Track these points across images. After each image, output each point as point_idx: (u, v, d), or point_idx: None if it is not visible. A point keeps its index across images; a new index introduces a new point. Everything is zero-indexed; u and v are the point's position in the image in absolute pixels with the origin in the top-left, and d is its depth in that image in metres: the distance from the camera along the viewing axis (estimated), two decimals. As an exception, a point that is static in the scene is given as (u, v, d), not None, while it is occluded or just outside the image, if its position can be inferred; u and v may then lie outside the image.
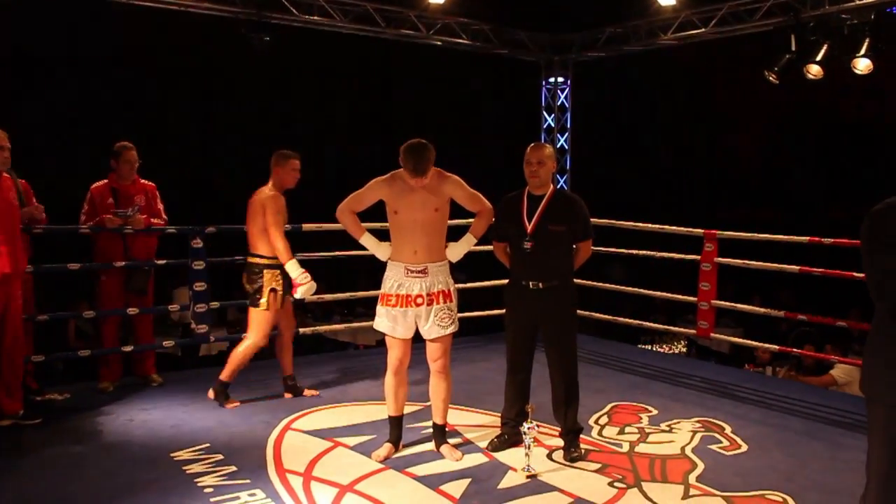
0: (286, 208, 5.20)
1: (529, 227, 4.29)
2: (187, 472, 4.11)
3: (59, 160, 11.05)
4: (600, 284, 7.04)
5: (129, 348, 5.71)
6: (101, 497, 3.78)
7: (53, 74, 12.40)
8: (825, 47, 6.91)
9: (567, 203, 4.39)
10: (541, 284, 4.29)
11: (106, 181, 5.53)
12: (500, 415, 4.62)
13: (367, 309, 9.86)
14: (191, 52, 13.81)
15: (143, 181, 5.64)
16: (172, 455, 4.34)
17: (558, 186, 7.23)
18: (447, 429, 4.50)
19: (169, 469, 4.15)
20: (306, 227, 6.24)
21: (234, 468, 4.15)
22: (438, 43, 8.00)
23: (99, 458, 4.32)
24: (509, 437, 4.48)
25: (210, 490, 3.87)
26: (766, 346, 6.79)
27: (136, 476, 4.04)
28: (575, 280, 4.52)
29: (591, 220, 4.47)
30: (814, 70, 7.07)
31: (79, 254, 5.61)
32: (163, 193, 5.77)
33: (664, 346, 9.09)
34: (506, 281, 4.57)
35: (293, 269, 5.01)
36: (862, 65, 6.79)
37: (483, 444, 4.53)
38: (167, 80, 13.56)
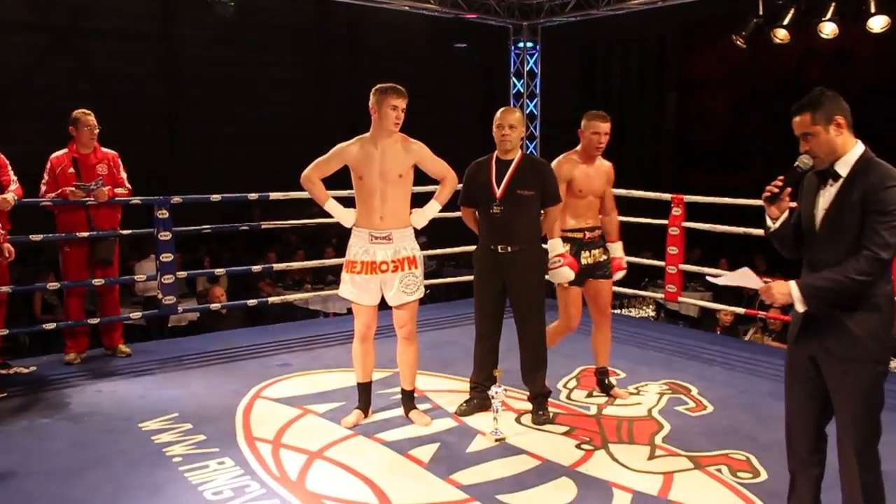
0: (565, 178, 4.56)
1: (499, 192, 4.29)
2: (156, 441, 4.10)
3: (19, 128, 10.87)
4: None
5: (95, 320, 5.65)
6: (69, 469, 3.77)
7: (10, 42, 12.14)
8: (792, 11, 6.94)
9: (536, 168, 4.39)
10: (509, 249, 4.31)
11: (66, 150, 5.42)
12: (468, 380, 4.65)
13: (336, 276, 9.84)
14: (155, 17, 13.60)
15: (104, 150, 5.53)
16: (141, 425, 4.33)
17: (527, 152, 7.22)
18: (416, 394, 4.52)
19: (137, 439, 4.14)
20: (273, 195, 6.19)
21: (203, 437, 4.15)
22: (406, 8, 7.91)
23: (66, 429, 4.29)
24: (478, 401, 4.51)
25: (179, 459, 3.87)
26: (734, 308, 6.89)
27: (104, 447, 4.03)
28: (544, 245, 4.53)
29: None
30: (781, 34, 7.11)
31: (40, 226, 5.52)
32: (126, 162, 5.67)
33: (632, 310, 9.17)
34: (473, 247, 4.57)
35: (556, 246, 4.50)
36: (828, 29, 6.84)
37: (452, 409, 4.56)
38: (129, 48, 13.33)
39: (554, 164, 4.58)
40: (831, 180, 2.76)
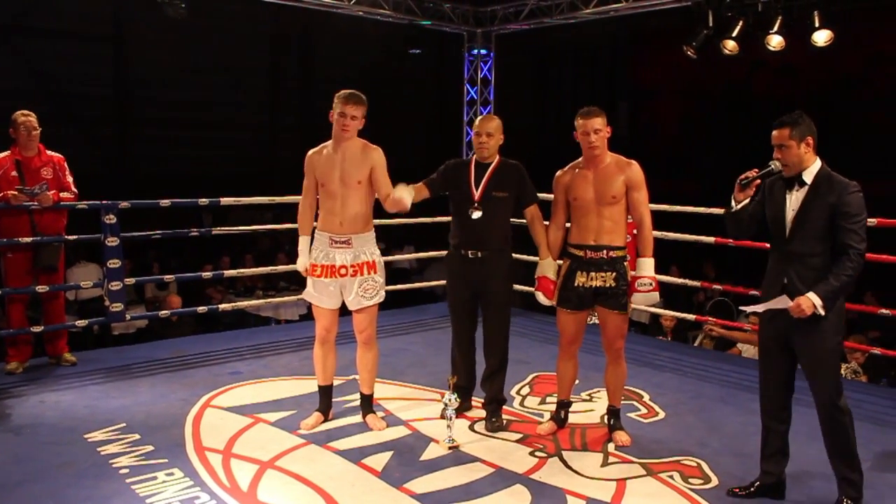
0: (563, 188, 4.23)
1: (477, 194, 4.30)
2: (102, 453, 3.99)
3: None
4: (524, 257, 7.09)
5: (38, 328, 5.49)
6: (9, 483, 3.64)
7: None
8: (740, 23, 7.07)
9: (510, 169, 4.39)
10: (479, 254, 4.32)
11: (9, 153, 5.27)
12: (428, 387, 4.63)
13: (288, 283, 9.77)
14: (103, 17, 13.33)
15: (49, 153, 5.40)
16: (86, 436, 4.21)
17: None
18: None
19: (82, 451, 4.03)
20: (224, 201, 6.10)
21: (151, 448, 4.05)
22: (360, 13, 7.87)
23: (7, 442, 4.16)
24: (460, 404, 4.48)
25: (126, 471, 3.77)
26: (684, 315, 6.97)
27: (47, 459, 3.91)
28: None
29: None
30: (730, 45, 7.23)
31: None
32: (73, 165, 5.54)
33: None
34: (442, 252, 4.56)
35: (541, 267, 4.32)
36: (775, 41, 6.98)
37: (405, 417, 4.54)
38: (77, 48, 13.05)
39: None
40: (797, 186, 3.39)
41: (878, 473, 3.81)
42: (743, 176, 3.49)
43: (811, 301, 3.25)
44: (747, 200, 3.53)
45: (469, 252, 4.34)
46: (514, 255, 4.52)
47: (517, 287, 7.17)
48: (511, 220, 4.46)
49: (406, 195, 4.08)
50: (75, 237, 5.64)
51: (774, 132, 3.39)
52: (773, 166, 3.43)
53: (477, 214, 4.29)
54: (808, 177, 3.37)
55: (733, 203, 3.54)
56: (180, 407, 4.68)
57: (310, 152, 4.28)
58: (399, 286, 7.36)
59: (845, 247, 3.26)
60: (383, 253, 4.55)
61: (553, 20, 8.13)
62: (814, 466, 3.84)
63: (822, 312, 3.26)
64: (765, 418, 3.59)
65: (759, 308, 3.51)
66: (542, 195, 4.48)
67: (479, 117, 4.45)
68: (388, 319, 6.72)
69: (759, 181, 3.49)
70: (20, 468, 3.80)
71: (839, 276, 3.25)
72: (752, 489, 3.60)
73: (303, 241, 4.33)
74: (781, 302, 3.35)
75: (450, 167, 4.48)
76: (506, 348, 4.50)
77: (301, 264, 4.31)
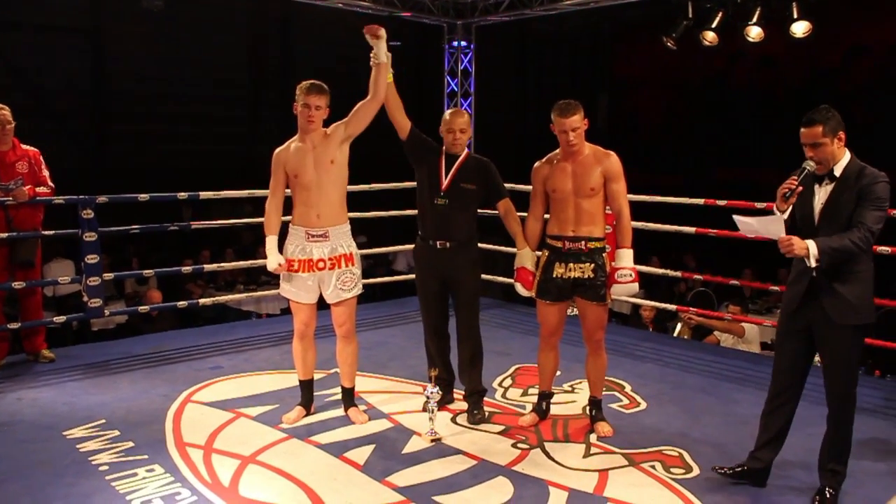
0: (541, 179, 4.19)
1: (445, 184, 4.29)
2: (81, 450, 3.95)
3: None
4: (504, 248, 7.09)
5: (15, 325, 5.43)
6: (-14, 480, 3.60)
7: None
8: (720, 15, 7.11)
9: (479, 164, 4.39)
10: (448, 245, 4.31)
11: (-18, 147, 5.21)
12: (409, 380, 4.62)
13: (269, 277, 9.72)
14: (80, 10, 13.19)
15: (24, 147, 5.32)
16: (65, 433, 4.17)
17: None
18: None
19: (61, 448, 3.99)
20: (203, 194, 6.05)
21: (131, 444, 4.02)
22: (339, 5, 7.83)
23: (-16, 439, 4.11)
24: (442, 395, 4.49)
25: (106, 468, 3.74)
26: (665, 305, 7.00)
27: (25, 458, 3.87)
28: (480, 244, 4.55)
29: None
30: (709, 37, 7.27)
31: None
32: (49, 159, 5.47)
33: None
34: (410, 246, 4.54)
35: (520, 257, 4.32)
36: (754, 32, 7.03)
37: (387, 410, 4.53)
38: (54, 41, 12.90)
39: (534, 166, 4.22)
40: (827, 180, 3.33)
41: (856, 461, 3.83)
42: (785, 188, 3.34)
43: (806, 245, 3.19)
44: (790, 208, 3.41)
45: (438, 242, 4.33)
46: (491, 245, 4.51)
47: (498, 279, 7.23)
48: (479, 211, 4.46)
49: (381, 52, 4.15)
50: (52, 232, 5.57)
51: (804, 130, 3.29)
52: (808, 168, 3.32)
53: (443, 203, 4.28)
54: (838, 170, 3.31)
55: (777, 214, 3.41)
56: (161, 402, 4.65)
57: (277, 150, 4.22)
58: (381, 279, 7.34)
59: (858, 223, 3.21)
60: (366, 246, 4.53)
61: (533, 12, 8.11)
62: (796, 455, 3.87)
63: (813, 263, 3.20)
64: (770, 406, 3.59)
65: (753, 221, 3.39)
66: (521, 186, 4.47)
67: (448, 112, 4.38)
68: (368, 312, 6.71)
69: (801, 188, 3.34)
70: (-2, 466, 3.76)
71: (843, 239, 3.19)
72: (737, 470, 3.63)
73: (270, 241, 4.24)
74: (775, 223, 3.28)
75: (430, 143, 4.41)
76: (479, 338, 4.49)
77: (272, 263, 4.22)
